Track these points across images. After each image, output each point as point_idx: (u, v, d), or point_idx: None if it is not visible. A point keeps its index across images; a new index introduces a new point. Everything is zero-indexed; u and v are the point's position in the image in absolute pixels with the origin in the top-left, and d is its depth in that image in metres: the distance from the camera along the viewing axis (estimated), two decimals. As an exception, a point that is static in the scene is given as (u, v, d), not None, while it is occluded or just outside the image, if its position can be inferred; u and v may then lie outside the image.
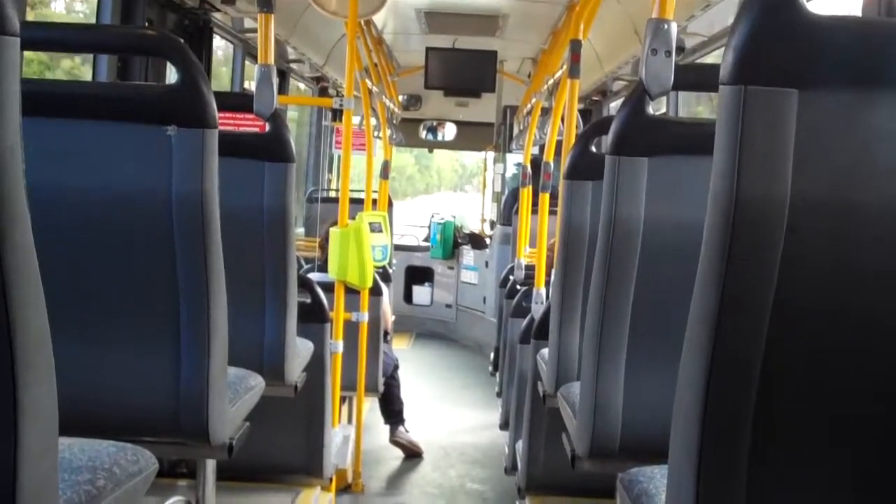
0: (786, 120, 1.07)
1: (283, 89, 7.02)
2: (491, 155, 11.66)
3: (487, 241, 10.48)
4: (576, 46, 3.66)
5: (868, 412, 1.17)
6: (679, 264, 1.76)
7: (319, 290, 3.65)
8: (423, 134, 11.29)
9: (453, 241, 10.63)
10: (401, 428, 5.77)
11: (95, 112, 1.89)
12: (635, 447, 2.06)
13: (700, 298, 1.14)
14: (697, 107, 5.89)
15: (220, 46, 5.81)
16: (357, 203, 5.34)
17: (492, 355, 7.10)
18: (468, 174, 34.00)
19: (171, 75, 4.17)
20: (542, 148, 5.16)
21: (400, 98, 9.44)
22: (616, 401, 2.07)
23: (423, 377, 8.12)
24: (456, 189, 35.97)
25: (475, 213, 12.41)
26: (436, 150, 12.57)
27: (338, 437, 4.48)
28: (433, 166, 34.84)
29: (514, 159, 10.66)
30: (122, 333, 1.96)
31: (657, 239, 2.02)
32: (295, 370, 2.85)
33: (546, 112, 6.18)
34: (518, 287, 5.40)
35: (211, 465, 2.45)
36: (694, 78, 2.32)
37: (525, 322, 4.03)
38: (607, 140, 2.07)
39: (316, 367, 3.37)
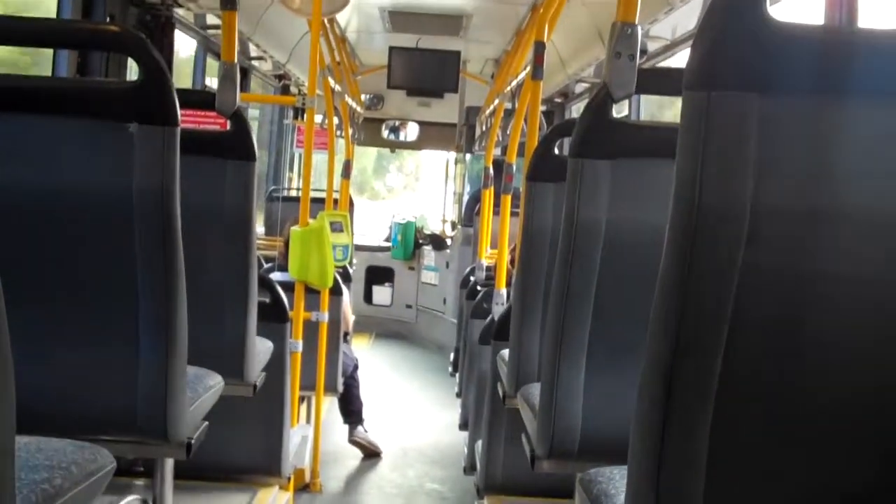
0: (748, 125, 1.08)
1: (244, 87, 6.97)
2: (452, 155, 11.66)
3: (448, 241, 10.49)
4: (539, 48, 3.67)
5: (826, 417, 1.18)
6: (640, 266, 1.78)
7: (280, 290, 3.64)
8: (385, 134, 11.26)
9: (414, 242, 10.62)
10: (360, 428, 5.77)
11: (56, 108, 1.86)
12: (595, 448, 2.07)
13: (660, 303, 1.14)
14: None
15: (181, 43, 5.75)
16: (318, 202, 5.33)
17: (451, 356, 7.10)
18: (385, 159, 23.81)
19: (132, 71, 4.15)
20: (504, 149, 5.17)
21: (363, 97, 9.41)
22: (576, 402, 2.07)
23: (382, 377, 8.11)
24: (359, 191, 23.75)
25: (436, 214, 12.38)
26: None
27: (296, 436, 4.47)
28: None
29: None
30: (80, 332, 1.94)
31: (619, 241, 2.02)
32: (254, 369, 2.83)
33: (509, 113, 6.20)
34: (479, 288, 5.41)
35: (169, 464, 2.43)
36: (657, 82, 2.33)
37: (485, 323, 4.04)
38: (570, 142, 2.07)
39: (275, 366, 3.36)
